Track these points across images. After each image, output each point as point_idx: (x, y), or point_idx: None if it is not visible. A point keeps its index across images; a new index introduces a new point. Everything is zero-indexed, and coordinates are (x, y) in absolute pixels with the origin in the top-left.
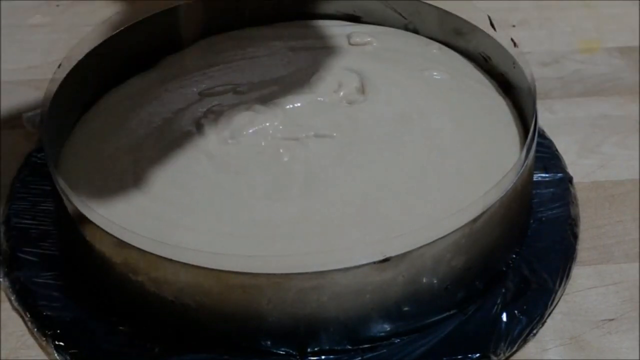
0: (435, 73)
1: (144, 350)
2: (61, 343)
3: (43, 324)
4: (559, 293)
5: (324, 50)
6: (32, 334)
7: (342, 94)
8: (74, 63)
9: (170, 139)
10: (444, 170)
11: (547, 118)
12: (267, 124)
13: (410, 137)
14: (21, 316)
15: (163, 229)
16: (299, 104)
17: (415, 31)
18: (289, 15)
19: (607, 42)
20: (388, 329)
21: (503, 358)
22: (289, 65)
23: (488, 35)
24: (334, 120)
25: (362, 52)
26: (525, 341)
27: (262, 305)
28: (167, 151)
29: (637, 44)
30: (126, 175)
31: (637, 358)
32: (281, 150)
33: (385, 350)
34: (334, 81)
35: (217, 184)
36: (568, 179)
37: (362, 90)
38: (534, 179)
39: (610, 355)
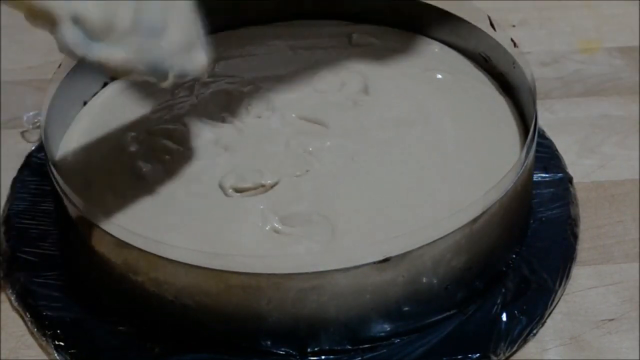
0: (436, 73)
1: (144, 350)
2: (61, 343)
3: (43, 324)
4: (559, 293)
5: (325, 50)
6: (32, 334)
7: (344, 93)
8: (74, 63)
9: (165, 136)
10: (445, 171)
11: (547, 118)
12: (271, 124)
13: (412, 137)
14: (21, 316)
15: (162, 228)
16: (300, 103)
17: (416, 31)
18: (289, 15)
19: (607, 42)
20: (388, 329)
21: (503, 358)
22: (289, 64)
23: (488, 35)
24: (335, 120)
25: (364, 52)
26: (525, 341)
27: (262, 306)
28: (163, 150)
29: (637, 44)
30: (122, 174)
31: (637, 358)
32: (281, 150)
33: (385, 350)
34: (337, 81)
35: (216, 183)
36: (568, 179)
37: (365, 90)
38: (534, 179)
39: (610, 355)
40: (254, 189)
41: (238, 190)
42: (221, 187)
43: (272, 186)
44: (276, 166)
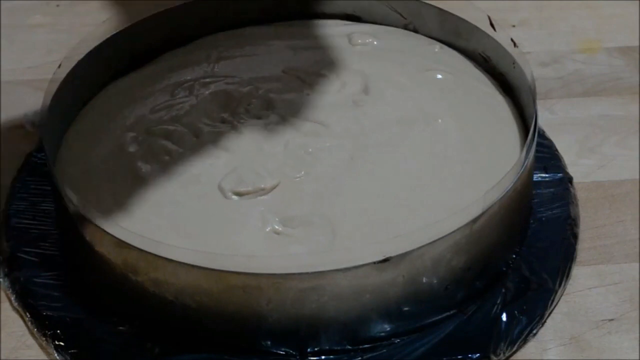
0: (436, 73)
1: (144, 350)
2: (61, 343)
3: (43, 324)
4: (559, 293)
5: (325, 50)
6: (32, 334)
7: (344, 93)
8: (74, 63)
9: (164, 137)
10: (445, 171)
11: (547, 118)
12: (271, 124)
13: (412, 137)
14: (21, 316)
15: (161, 229)
16: (300, 104)
17: (415, 31)
18: (289, 15)
19: (607, 42)
20: (388, 329)
21: (503, 358)
22: (289, 64)
23: (488, 35)
24: (335, 120)
25: (364, 52)
26: (525, 341)
27: (262, 306)
28: (163, 150)
29: (637, 44)
30: (122, 175)
31: (637, 358)
32: (281, 151)
33: (385, 351)
34: (337, 81)
35: (216, 184)
36: (568, 179)
37: (365, 90)
38: (534, 179)
39: (610, 355)
40: (254, 192)
41: (238, 194)
42: (221, 189)
43: (272, 188)
44: (276, 168)
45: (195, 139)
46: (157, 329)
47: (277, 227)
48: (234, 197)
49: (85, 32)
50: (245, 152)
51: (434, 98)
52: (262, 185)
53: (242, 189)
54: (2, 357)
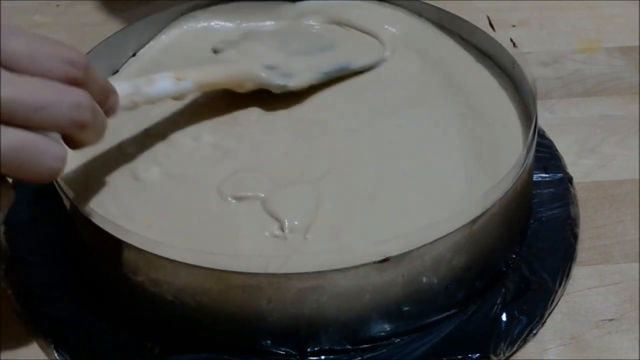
0: (436, 72)
1: (144, 350)
2: (61, 343)
3: (43, 324)
4: (559, 293)
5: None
6: (32, 334)
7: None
8: None
9: (164, 139)
10: (445, 170)
11: (547, 118)
12: (272, 126)
13: (412, 137)
14: (21, 316)
15: (160, 231)
16: (300, 104)
17: None
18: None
19: (607, 42)
20: (388, 329)
21: (503, 358)
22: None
23: (488, 35)
24: (336, 122)
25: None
26: (525, 341)
27: (262, 305)
28: (162, 152)
29: (637, 44)
30: (121, 176)
31: (637, 358)
32: (281, 154)
33: (385, 350)
34: (338, 81)
35: (215, 187)
36: (568, 179)
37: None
38: (534, 179)
39: (610, 355)
40: (253, 197)
41: (237, 198)
42: (220, 193)
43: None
44: (276, 171)
45: (194, 141)
46: (157, 329)
47: (275, 230)
48: (233, 201)
49: (85, 32)
50: (246, 154)
51: (436, 98)
52: (261, 194)
53: (241, 194)
54: (2, 357)
